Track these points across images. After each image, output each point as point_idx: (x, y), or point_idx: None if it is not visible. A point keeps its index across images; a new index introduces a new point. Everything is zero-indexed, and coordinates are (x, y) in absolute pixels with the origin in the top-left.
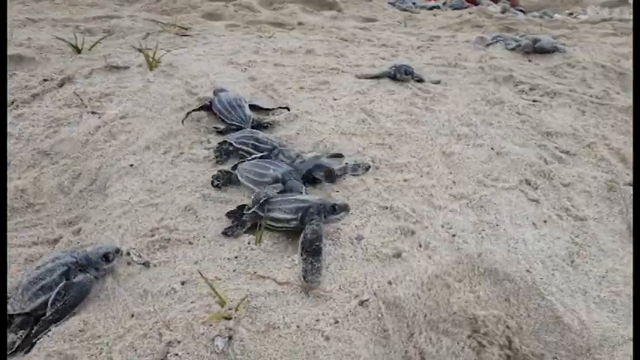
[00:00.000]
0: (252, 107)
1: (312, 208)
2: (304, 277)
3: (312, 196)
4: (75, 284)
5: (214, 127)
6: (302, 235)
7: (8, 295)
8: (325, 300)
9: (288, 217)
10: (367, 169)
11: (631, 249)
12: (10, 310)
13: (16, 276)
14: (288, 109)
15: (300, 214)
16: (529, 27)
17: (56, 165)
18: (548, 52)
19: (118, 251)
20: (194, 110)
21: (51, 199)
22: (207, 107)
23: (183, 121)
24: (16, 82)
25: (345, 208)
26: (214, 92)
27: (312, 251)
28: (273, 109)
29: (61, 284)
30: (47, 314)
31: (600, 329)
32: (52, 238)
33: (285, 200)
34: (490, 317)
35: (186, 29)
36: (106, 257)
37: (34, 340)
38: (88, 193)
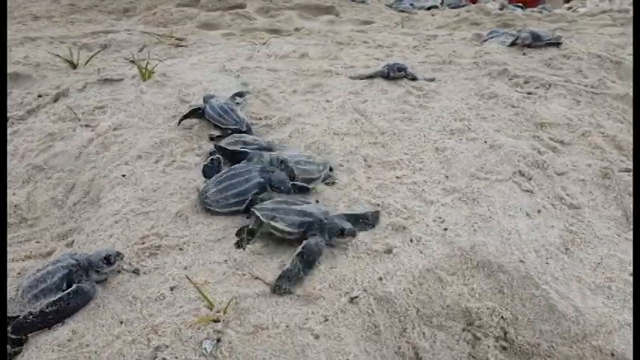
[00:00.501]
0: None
1: (317, 225)
2: (280, 277)
3: (319, 207)
4: (83, 291)
5: (210, 135)
6: (304, 243)
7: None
8: (315, 298)
9: (291, 230)
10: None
11: (627, 235)
12: (9, 312)
13: (9, 289)
14: (241, 94)
15: (302, 230)
16: (527, 22)
17: (50, 179)
18: (548, 45)
19: (119, 254)
20: (186, 117)
21: (45, 213)
22: (200, 114)
23: (179, 123)
24: (12, 100)
25: (352, 234)
26: (204, 99)
27: (306, 261)
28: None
29: (73, 287)
30: (48, 309)
31: (596, 315)
32: (45, 252)
33: (290, 210)
34: (484, 309)
35: (182, 40)
36: (107, 260)
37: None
38: (82, 206)
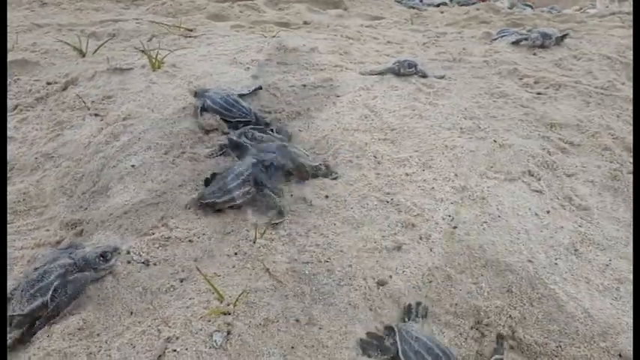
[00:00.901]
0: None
1: None
2: None
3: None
4: (70, 282)
5: (224, 133)
6: None
7: (10, 295)
8: (325, 294)
9: None
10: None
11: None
12: (9, 311)
13: (17, 278)
14: (261, 88)
15: None
16: (536, 21)
17: (59, 168)
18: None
19: (116, 250)
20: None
21: (53, 202)
22: (202, 108)
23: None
24: (20, 87)
25: None
26: (196, 94)
27: None
28: (249, 93)
29: (56, 283)
30: (46, 312)
31: (604, 317)
32: (55, 240)
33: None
34: (493, 308)
35: (191, 30)
36: (104, 257)
37: (32, 338)
38: (91, 195)
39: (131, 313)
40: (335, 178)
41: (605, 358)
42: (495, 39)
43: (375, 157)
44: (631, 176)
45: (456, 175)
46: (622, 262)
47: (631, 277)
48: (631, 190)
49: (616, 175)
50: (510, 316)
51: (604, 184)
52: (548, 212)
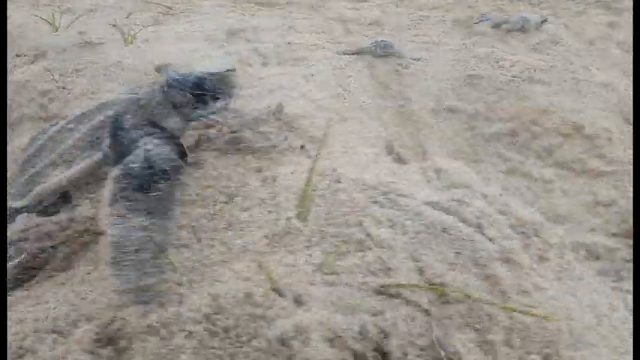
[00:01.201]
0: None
1: None
2: None
3: None
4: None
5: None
6: None
7: None
8: (280, 264)
9: None
10: None
11: (590, 222)
12: None
13: None
14: (234, 70)
15: None
16: (520, 7)
17: (21, 137)
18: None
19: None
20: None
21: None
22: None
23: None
24: None
25: None
26: (159, 69)
27: None
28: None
29: (35, 246)
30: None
31: (544, 298)
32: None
33: None
34: (451, 282)
35: (170, 8)
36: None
37: None
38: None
39: (82, 281)
40: (307, 155)
41: (539, 326)
42: (476, 22)
43: (345, 136)
44: (593, 160)
45: (424, 156)
46: (577, 245)
47: (582, 259)
48: (592, 174)
49: (580, 159)
50: (467, 294)
51: (568, 168)
52: (513, 194)
